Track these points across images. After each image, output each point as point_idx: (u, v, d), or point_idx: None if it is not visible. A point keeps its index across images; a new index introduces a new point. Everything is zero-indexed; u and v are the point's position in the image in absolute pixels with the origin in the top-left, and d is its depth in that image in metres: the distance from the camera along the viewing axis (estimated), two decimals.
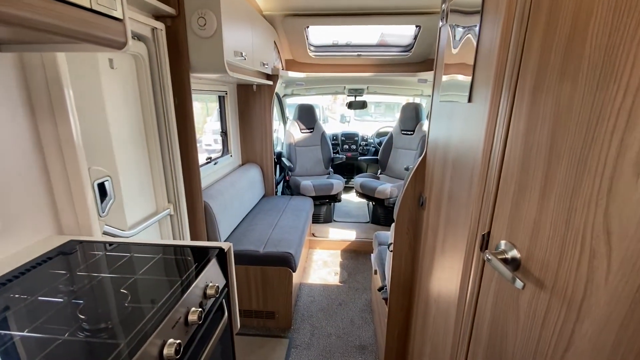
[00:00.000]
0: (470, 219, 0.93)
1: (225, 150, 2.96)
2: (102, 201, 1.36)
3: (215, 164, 2.61)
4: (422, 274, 1.43)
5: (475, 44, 0.94)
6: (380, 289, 1.85)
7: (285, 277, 2.14)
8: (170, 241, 1.12)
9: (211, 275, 1.03)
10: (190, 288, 0.88)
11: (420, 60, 3.53)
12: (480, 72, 0.92)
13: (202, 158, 2.60)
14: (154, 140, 1.72)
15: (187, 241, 1.13)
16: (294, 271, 2.14)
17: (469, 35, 0.99)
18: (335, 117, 13.14)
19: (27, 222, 1.07)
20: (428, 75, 3.22)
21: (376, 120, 11.87)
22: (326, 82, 3.79)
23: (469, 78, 0.96)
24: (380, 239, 2.27)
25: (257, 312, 2.25)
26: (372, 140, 4.65)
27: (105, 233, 1.38)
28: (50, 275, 0.91)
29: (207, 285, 0.98)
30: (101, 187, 1.35)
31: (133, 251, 1.06)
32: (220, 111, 2.85)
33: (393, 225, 1.68)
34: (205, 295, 0.97)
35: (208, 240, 2.14)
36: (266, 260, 2.12)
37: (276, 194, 3.53)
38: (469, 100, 0.97)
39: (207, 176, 2.47)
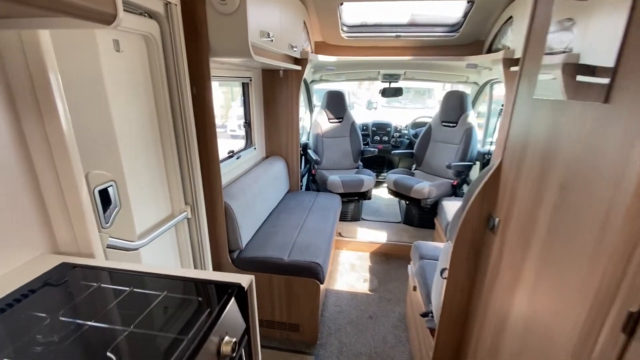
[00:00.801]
0: (599, 280, 0.63)
1: (248, 142, 2.73)
2: (104, 210, 1.16)
3: (237, 158, 2.39)
4: (488, 312, 1.14)
5: (624, 26, 0.61)
6: (424, 315, 1.58)
7: (312, 289, 1.92)
8: (178, 271, 0.90)
9: (228, 323, 0.80)
10: (200, 352, 0.65)
11: (468, 42, 3.09)
12: (631, 63, 0.60)
13: (223, 151, 2.38)
14: (168, 135, 1.50)
15: (200, 272, 0.89)
16: (322, 283, 1.91)
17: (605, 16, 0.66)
18: (361, 102, 12.66)
19: (13, 240, 0.88)
20: (478, 59, 2.80)
21: (405, 107, 11.29)
22: (359, 67, 3.44)
23: (608, 71, 0.64)
24: (421, 251, 1.98)
25: (280, 323, 2.05)
26: (406, 131, 4.26)
27: (109, 247, 1.19)
28: (26, 321, 0.70)
29: (222, 340, 0.75)
30: (104, 194, 1.15)
31: (134, 284, 0.85)
32: (244, 100, 2.61)
33: (446, 246, 1.39)
34: (219, 354, 0.74)
35: (229, 245, 1.94)
36: (291, 269, 1.90)
37: (301, 188, 3.29)
38: (606, 100, 0.65)
39: (228, 172, 2.26)
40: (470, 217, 1.21)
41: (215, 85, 1.83)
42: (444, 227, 2.57)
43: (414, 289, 1.96)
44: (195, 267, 1.81)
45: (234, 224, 1.89)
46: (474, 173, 3.35)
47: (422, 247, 2.02)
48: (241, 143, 2.75)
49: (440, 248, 1.98)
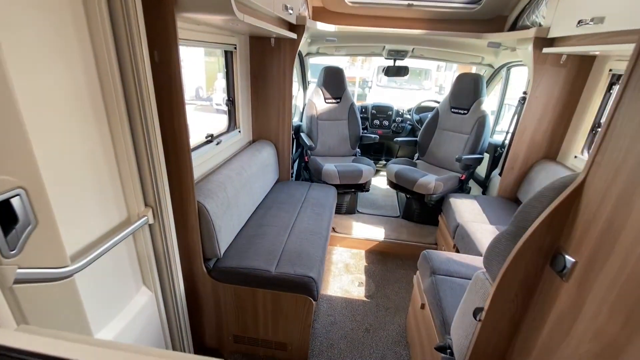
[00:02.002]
0: None
1: (232, 124, 2.32)
2: (6, 232, 0.78)
3: (218, 143, 1.99)
4: None
5: None
6: (440, 350, 1.31)
7: (303, 307, 1.61)
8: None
9: None
10: None
11: (489, 17, 2.70)
12: None
13: (201, 133, 1.98)
14: (117, 116, 1.10)
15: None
16: (315, 300, 1.61)
17: None
18: (354, 81, 12.09)
19: None
20: (502, 37, 2.42)
21: (401, 87, 10.85)
22: (362, 40, 3.00)
23: None
24: (433, 264, 1.68)
25: (264, 341, 1.76)
26: (408, 116, 3.89)
27: (19, 281, 0.83)
28: None
29: None
30: (5, 207, 0.77)
31: None
32: (227, 72, 2.17)
33: (479, 278, 1.09)
34: None
35: (204, 253, 1.59)
36: (280, 284, 1.58)
37: (292, 177, 2.93)
38: None
39: (205, 162, 1.87)
40: (526, 250, 0.89)
41: (198, 53, 1.40)
42: (452, 229, 2.29)
43: (422, 306, 1.69)
44: (161, 281, 1.47)
45: (210, 228, 1.54)
46: (482, 167, 3.06)
47: (434, 258, 1.73)
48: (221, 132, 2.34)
49: (456, 261, 1.70)
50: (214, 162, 1.99)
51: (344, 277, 2.50)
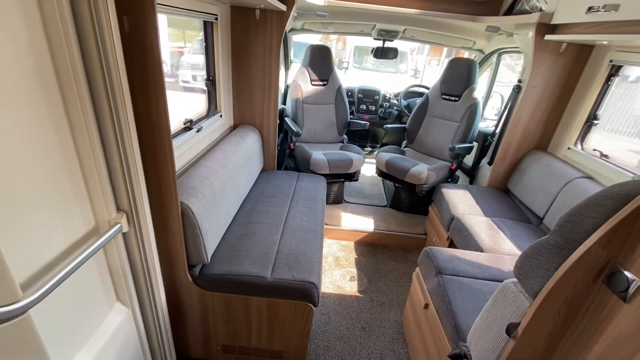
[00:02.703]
0: None
1: (212, 107, 2.05)
2: None
3: (198, 130, 1.74)
4: None
5: None
6: (455, 357, 1.23)
7: (302, 314, 1.48)
8: None
9: None
10: None
11: None
12: None
13: (176, 119, 1.71)
14: (77, 101, 0.85)
15: None
16: (316, 306, 1.47)
17: None
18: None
19: None
20: (501, 22, 2.31)
21: (377, 69, 10.70)
22: (353, 17, 2.77)
23: None
24: (438, 263, 1.60)
25: (257, 349, 1.62)
26: (395, 101, 3.75)
27: None
28: None
29: None
30: None
31: None
32: (207, 47, 1.88)
33: (510, 289, 0.99)
34: None
35: (189, 259, 1.39)
36: (277, 291, 1.42)
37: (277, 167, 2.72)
38: None
39: (184, 153, 1.62)
40: (579, 265, 0.79)
41: (160, 23, 1.16)
42: (446, 221, 2.24)
43: (426, 306, 1.61)
44: (139, 295, 1.25)
45: (196, 231, 1.32)
46: (469, 156, 3.03)
47: (438, 256, 1.64)
48: (198, 99, 2.06)
49: (461, 259, 1.62)
50: (194, 152, 1.74)
51: (335, 271, 2.39)
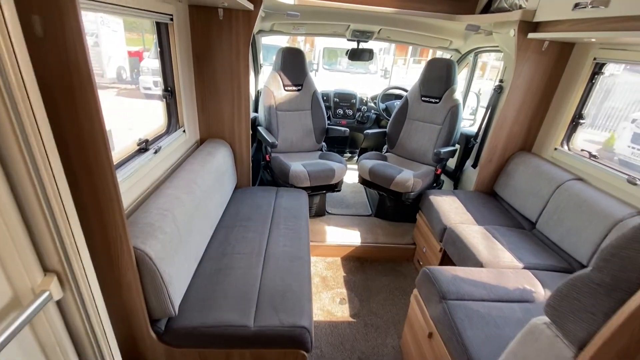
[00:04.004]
0: None
1: (172, 122, 1.77)
2: None
3: (156, 152, 1.47)
4: None
5: None
6: None
7: None
8: None
9: None
10: None
11: None
12: None
13: (130, 134, 1.43)
14: None
15: None
16: (309, 351, 1.26)
17: None
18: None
19: None
20: (481, 20, 2.22)
21: (348, 70, 10.65)
22: (325, 17, 2.59)
23: None
24: (441, 287, 1.44)
25: None
26: (372, 105, 3.61)
27: None
28: None
29: None
30: None
31: None
32: (162, 53, 1.61)
33: (541, 331, 0.84)
34: None
35: (151, 313, 1.13)
36: (262, 341, 1.20)
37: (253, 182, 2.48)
38: None
39: (140, 180, 1.35)
40: (638, 314, 0.65)
41: (117, 25, 0.88)
42: (438, 231, 2.11)
43: (430, 335, 1.45)
44: None
45: (156, 281, 1.07)
46: (451, 159, 2.94)
47: (439, 277, 1.49)
48: (162, 106, 1.77)
49: (463, 279, 1.48)
50: (151, 178, 1.47)
51: (323, 294, 2.18)
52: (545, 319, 0.86)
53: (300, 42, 13.47)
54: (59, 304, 0.87)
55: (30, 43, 0.64)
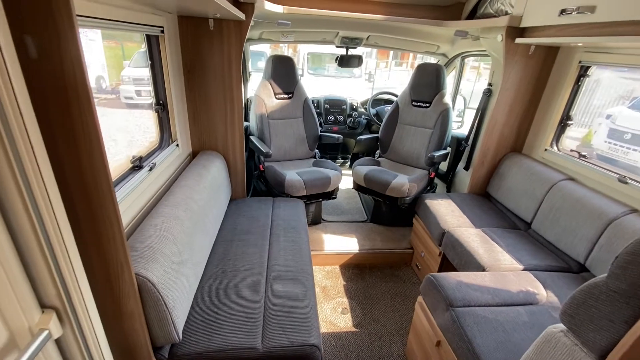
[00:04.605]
0: None
1: (165, 136, 1.71)
2: None
3: (150, 169, 1.41)
4: None
5: None
6: None
7: None
8: None
9: None
10: None
11: (447, 3, 2.53)
12: None
13: (114, 146, 1.37)
14: None
15: None
16: None
17: None
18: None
19: None
20: (469, 25, 2.26)
21: (333, 75, 10.71)
22: (315, 25, 2.58)
23: None
24: (447, 293, 1.44)
25: None
26: (363, 110, 3.62)
27: None
28: None
29: None
30: None
31: None
32: (153, 66, 1.56)
33: (560, 340, 0.84)
34: None
35: (154, 341, 1.07)
36: None
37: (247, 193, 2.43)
38: None
39: (135, 201, 1.29)
40: None
41: (94, 34, 0.85)
42: (436, 235, 2.11)
43: (438, 344, 1.44)
44: None
45: (160, 308, 1.02)
46: (445, 162, 2.98)
47: (445, 285, 1.49)
48: (145, 115, 1.72)
49: (469, 284, 1.48)
50: (146, 196, 1.41)
51: (325, 305, 2.15)
52: (562, 326, 0.87)
53: (283, 47, 13.46)
54: (57, 342, 0.81)
55: (23, 65, 0.60)
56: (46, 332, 0.73)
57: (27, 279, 0.71)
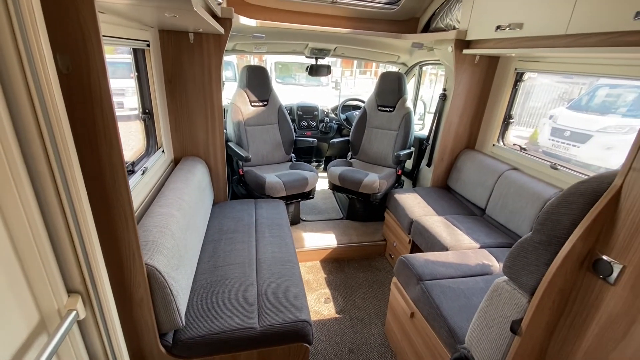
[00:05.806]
0: None
1: (152, 143, 1.80)
2: None
3: (143, 172, 1.50)
4: None
5: None
6: None
7: (297, 356, 1.37)
8: None
9: None
10: None
11: (404, 18, 2.83)
12: None
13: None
14: (6, 162, 0.64)
15: None
16: (311, 344, 1.38)
17: None
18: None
19: None
20: (424, 38, 2.56)
21: (301, 83, 10.95)
22: (286, 37, 2.77)
23: None
24: (417, 270, 1.65)
25: None
26: (333, 115, 3.85)
27: None
28: None
29: None
30: None
31: None
32: (139, 77, 1.65)
33: (502, 288, 1.07)
34: None
35: (160, 327, 1.17)
36: (268, 339, 1.29)
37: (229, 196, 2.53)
38: None
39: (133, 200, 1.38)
40: (567, 258, 0.89)
41: None
42: (406, 225, 2.35)
43: (412, 315, 1.65)
44: None
45: (167, 295, 1.13)
46: (410, 160, 3.27)
47: (415, 263, 1.70)
48: (128, 127, 1.80)
49: (434, 262, 1.71)
50: (140, 198, 1.49)
51: (309, 296, 2.30)
52: (505, 278, 1.09)
53: (250, 57, 13.54)
54: (80, 325, 0.90)
55: (62, 82, 0.72)
56: (74, 312, 0.83)
57: (57, 264, 0.80)
